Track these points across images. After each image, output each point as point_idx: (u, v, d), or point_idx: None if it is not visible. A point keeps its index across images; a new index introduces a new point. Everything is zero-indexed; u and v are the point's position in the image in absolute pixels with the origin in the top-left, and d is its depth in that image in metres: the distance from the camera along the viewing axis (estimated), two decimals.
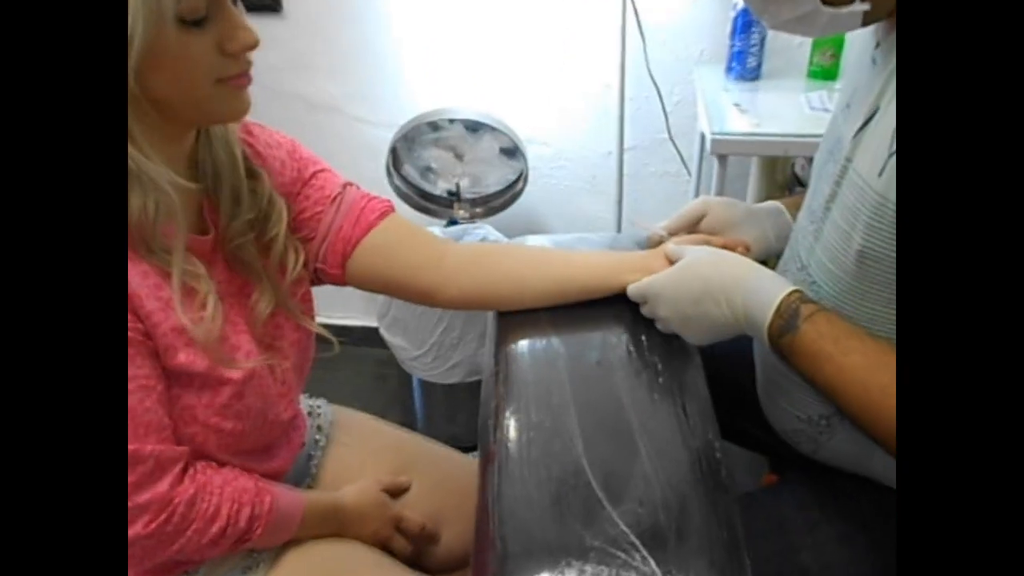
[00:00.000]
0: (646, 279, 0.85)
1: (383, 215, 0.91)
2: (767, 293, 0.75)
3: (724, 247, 0.88)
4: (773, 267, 0.87)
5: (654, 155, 1.99)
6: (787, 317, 0.72)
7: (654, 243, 0.95)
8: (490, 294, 0.91)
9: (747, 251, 0.92)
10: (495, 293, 0.91)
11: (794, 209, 0.94)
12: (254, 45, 0.70)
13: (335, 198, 0.89)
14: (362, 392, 2.18)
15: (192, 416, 0.77)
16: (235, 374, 0.78)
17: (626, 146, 1.93)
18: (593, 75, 1.89)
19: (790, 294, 0.74)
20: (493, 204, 2.05)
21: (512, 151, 1.96)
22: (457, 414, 1.95)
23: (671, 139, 1.88)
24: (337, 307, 2.31)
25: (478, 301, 0.92)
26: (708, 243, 0.90)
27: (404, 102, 1.99)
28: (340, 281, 0.92)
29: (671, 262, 0.85)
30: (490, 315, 0.96)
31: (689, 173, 1.92)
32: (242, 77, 0.71)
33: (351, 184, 0.93)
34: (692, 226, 0.95)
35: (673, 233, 0.95)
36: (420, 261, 0.91)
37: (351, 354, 2.26)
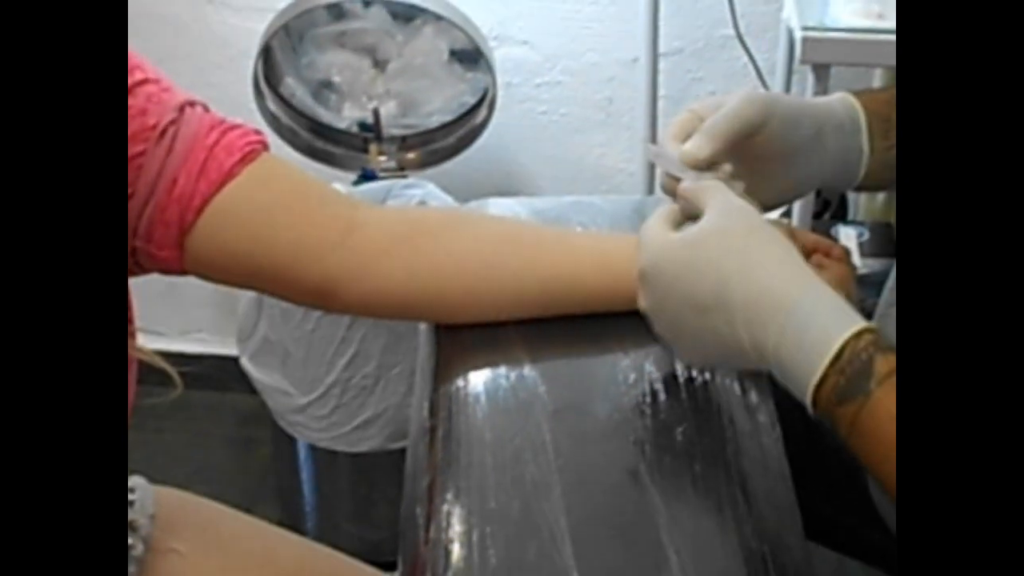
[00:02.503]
0: (648, 238, 0.86)
1: (248, 156, 0.93)
2: (821, 327, 0.76)
3: (791, 235, 0.89)
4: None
5: (710, 63, 2.02)
6: (851, 374, 0.74)
7: (672, 188, 0.94)
8: (425, 295, 0.94)
9: (846, 262, 0.95)
10: (434, 293, 0.94)
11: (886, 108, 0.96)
12: None
13: (165, 129, 0.91)
14: (210, 467, 2.20)
15: None
16: None
17: (664, 48, 1.96)
18: None
19: (860, 334, 0.75)
20: (436, 146, 2.08)
21: (470, 56, 1.98)
22: (374, 505, 1.98)
23: (739, 37, 1.92)
24: (164, 318, 2.32)
25: (404, 306, 0.95)
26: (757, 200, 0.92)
27: None
28: (176, 268, 0.94)
29: (683, 220, 0.86)
30: (423, 331, 0.98)
31: (766, 90, 1.96)
32: None
33: (193, 104, 0.94)
34: (740, 144, 0.95)
35: (704, 163, 0.94)
36: (310, 235, 0.93)
37: (192, 402, 2.27)
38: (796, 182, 0.96)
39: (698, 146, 0.89)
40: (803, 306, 0.77)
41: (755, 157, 0.92)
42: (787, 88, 1.92)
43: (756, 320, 0.78)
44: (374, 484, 1.95)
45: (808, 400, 0.75)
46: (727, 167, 0.90)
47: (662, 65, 1.97)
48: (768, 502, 0.79)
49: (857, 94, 0.96)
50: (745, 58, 1.94)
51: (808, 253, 0.92)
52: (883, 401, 0.72)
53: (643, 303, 0.85)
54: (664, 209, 0.87)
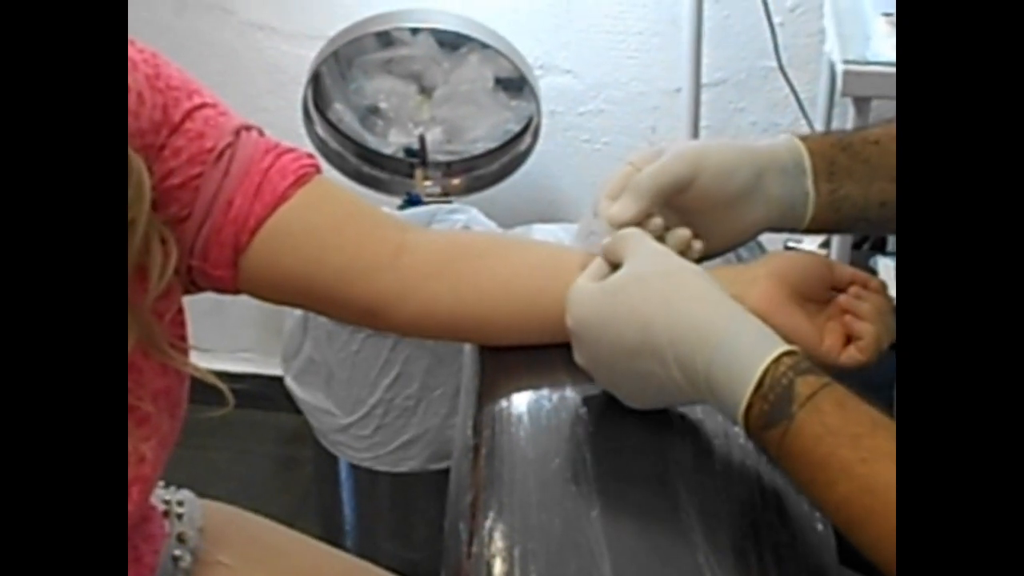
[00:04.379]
0: (571, 296, 0.88)
1: (301, 179, 0.95)
2: (743, 355, 0.78)
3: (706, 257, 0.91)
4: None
5: (752, 94, 2.04)
6: (774, 399, 0.76)
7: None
8: (471, 317, 0.96)
9: (884, 294, 0.95)
10: (479, 316, 0.96)
11: (837, 153, 0.96)
12: None
13: (222, 151, 0.93)
14: (253, 485, 2.22)
15: None
16: None
17: (706, 79, 1.98)
18: None
19: (779, 359, 0.77)
20: (481, 172, 2.10)
21: (516, 84, 2.00)
22: (413, 526, 1.99)
23: (781, 68, 1.93)
24: (210, 338, 2.34)
25: (451, 327, 0.97)
26: (675, 243, 0.92)
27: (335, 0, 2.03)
28: (229, 287, 0.96)
29: (608, 273, 0.87)
30: (468, 352, 1.00)
31: (809, 123, 1.97)
32: None
33: (249, 128, 0.97)
34: (672, 198, 0.95)
35: (631, 223, 0.92)
36: (361, 256, 0.95)
37: (236, 420, 2.29)
38: (739, 228, 0.97)
39: (623, 208, 0.92)
40: (726, 337, 0.79)
41: (691, 209, 0.94)
42: (828, 121, 1.93)
43: (684, 357, 0.80)
44: (414, 504, 1.96)
45: (742, 427, 0.78)
46: (657, 220, 0.92)
47: (705, 96, 1.98)
48: (803, 525, 0.79)
49: (803, 138, 0.97)
50: (787, 89, 1.95)
51: (845, 285, 0.93)
52: (806, 423, 0.74)
53: (578, 358, 0.89)
54: (591, 266, 0.89)
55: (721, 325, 0.80)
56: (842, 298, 0.92)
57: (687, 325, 0.81)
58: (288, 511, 2.11)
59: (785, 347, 0.77)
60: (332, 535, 2.02)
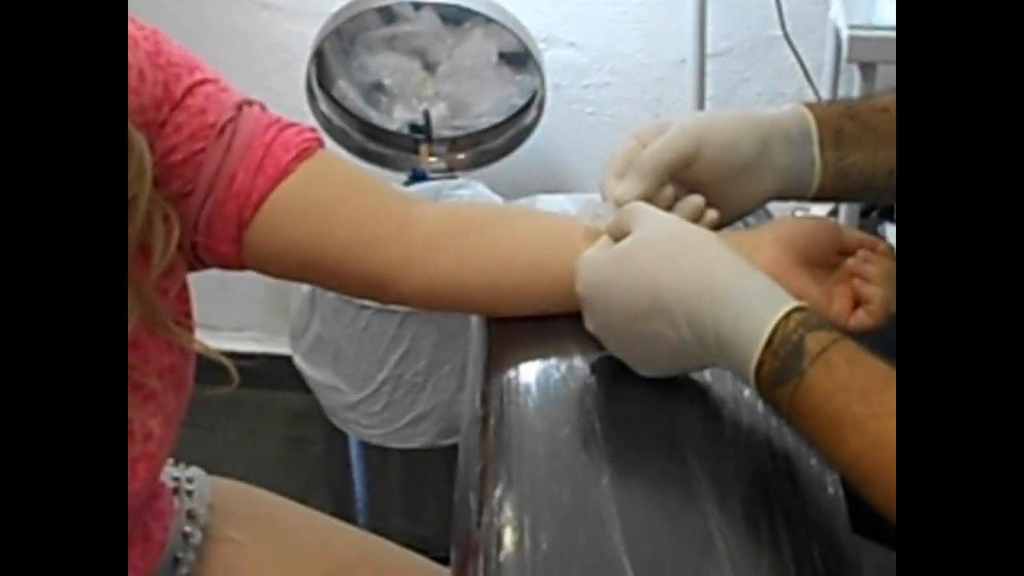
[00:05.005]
0: (580, 263, 0.88)
1: (304, 153, 0.95)
2: (752, 312, 0.77)
3: (717, 226, 0.91)
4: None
5: (758, 64, 2.03)
6: (784, 356, 0.75)
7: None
8: (477, 287, 0.95)
9: (891, 258, 0.95)
10: (485, 286, 0.95)
11: (845, 122, 0.96)
12: None
13: (224, 126, 0.93)
14: (263, 464, 2.22)
15: None
16: None
17: (711, 50, 1.97)
18: None
19: (789, 315, 0.76)
20: (486, 147, 2.09)
21: (520, 58, 2.00)
22: (424, 502, 1.99)
23: (786, 37, 1.92)
24: (217, 317, 2.36)
25: (457, 298, 0.96)
26: (688, 211, 0.92)
27: None
28: (234, 262, 0.96)
29: (616, 238, 0.87)
30: (475, 324, 1.00)
31: (815, 91, 1.96)
32: None
33: (251, 103, 0.96)
34: (677, 173, 0.95)
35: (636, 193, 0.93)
36: (365, 229, 0.95)
37: (245, 400, 2.30)
38: (746, 198, 0.97)
39: (628, 188, 0.92)
40: (735, 294, 0.79)
41: (697, 182, 0.94)
42: (834, 89, 1.92)
43: (694, 316, 0.80)
44: (424, 480, 1.97)
45: (752, 386, 0.77)
46: (667, 191, 0.93)
47: (710, 66, 1.97)
48: (814, 490, 0.79)
49: (810, 106, 0.97)
50: (792, 58, 1.94)
51: (853, 249, 0.92)
52: (817, 379, 0.74)
53: (588, 324, 0.89)
54: (598, 241, 0.90)
55: (729, 283, 0.79)
56: (850, 262, 0.91)
57: (696, 284, 0.80)
58: (299, 490, 2.10)
59: (795, 303, 0.77)
60: (343, 513, 2.02)
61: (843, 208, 1.69)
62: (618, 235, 0.87)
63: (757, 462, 0.82)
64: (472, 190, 1.96)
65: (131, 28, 0.92)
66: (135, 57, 0.90)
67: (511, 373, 0.91)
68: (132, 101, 0.89)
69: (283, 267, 0.97)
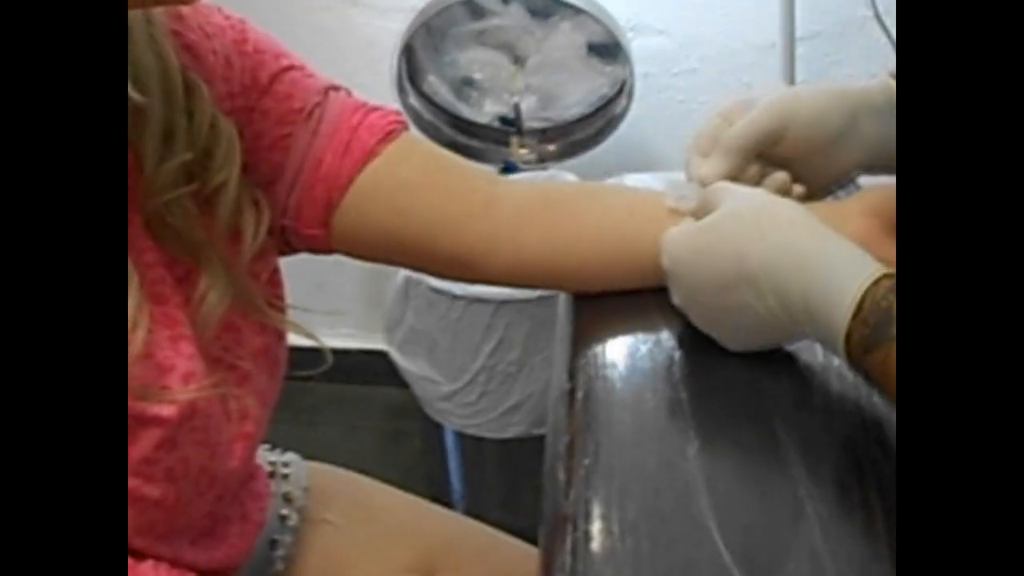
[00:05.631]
0: (666, 238, 0.88)
1: (389, 136, 0.97)
2: (840, 279, 0.76)
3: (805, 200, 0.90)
4: None
5: (849, 46, 2.01)
6: (875, 322, 0.74)
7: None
8: (563, 264, 0.96)
9: None
10: (571, 263, 0.96)
11: None
12: None
13: (311, 111, 0.95)
14: (363, 458, 2.24)
15: None
16: (166, 410, 0.83)
17: (801, 33, 1.96)
18: None
19: (878, 281, 0.75)
20: (576, 138, 2.10)
21: (609, 48, 2.00)
22: (520, 491, 2.00)
23: (877, 17, 1.90)
24: (312, 315, 2.36)
25: (543, 275, 0.97)
26: (774, 187, 0.92)
27: None
28: (323, 246, 0.98)
29: (699, 216, 0.87)
30: (562, 301, 1.01)
31: None
32: None
33: (337, 88, 0.98)
34: (764, 150, 0.95)
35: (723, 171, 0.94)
36: (451, 208, 0.96)
37: (344, 396, 2.33)
38: (834, 172, 0.97)
39: (714, 167, 0.93)
40: (822, 262, 0.78)
41: (784, 157, 0.94)
42: None
43: (780, 285, 0.79)
44: (520, 470, 1.97)
45: (842, 353, 0.76)
46: (753, 168, 0.93)
47: (800, 49, 1.96)
48: None
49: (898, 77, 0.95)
50: (884, 38, 1.92)
51: None
52: None
53: (675, 299, 0.89)
54: (683, 221, 0.90)
55: (817, 251, 0.79)
56: None
57: (781, 253, 0.80)
58: (397, 483, 2.13)
59: (883, 269, 0.76)
60: (441, 504, 2.04)
61: None
62: (703, 217, 0.87)
63: (847, 430, 0.81)
64: (562, 179, 1.97)
65: (218, 17, 0.94)
66: (222, 45, 0.93)
67: (598, 348, 0.91)
68: (220, 88, 0.91)
69: (372, 249, 0.99)
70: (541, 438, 1.84)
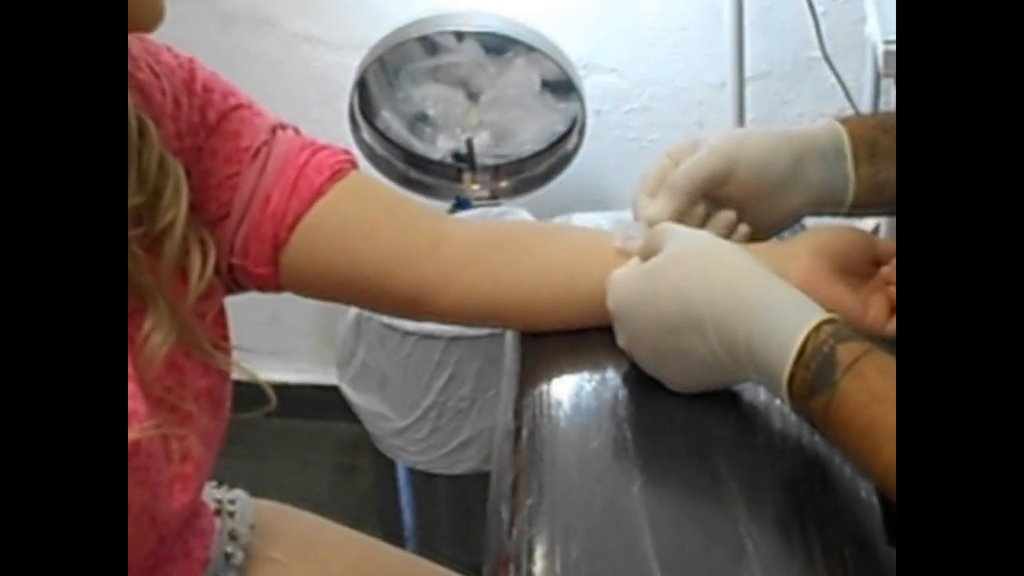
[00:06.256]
0: (612, 280, 0.89)
1: (337, 175, 0.96)
2: (783, 325, 0.77)
3: (750, 241, 0.91)
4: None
5: (798, 85, 2.03)
6: (816, 367, 0.75)
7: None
8: (511, 303, 0.96)
9: None
10: (519, 301, 0.96)
11: (878, 134, 0.96)
12: None
13: (258, 150, 0.95)
14: (315, 493, 2.23)
15: None
16: None
17: (751, 73, 1.98)
18: None
19: (819, 327, 0.76)
20: (529, 174, 2.11)
21: (562, 86, 2.01)
22: (471, 527, 1.99)
23: (826, 58, 1.92)
24: (265, 345, 2.38)
25: (491, 313, 0.97)
26: (719, 227, 0.93)
27: (379, 5, 2.05)
28: (272, 284, 0.97)
29: (645, 257, 0.88)
30: (509, 338, 1.01)
31: (856, 111, 1.95)
32: None
33: (285, 127, 0.98)
34: (711, 191, 0.95)
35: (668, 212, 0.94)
36: (399, 247, 0.96)
37: (295, 431, 2.32)
38: (780, 214, 0.97)
39: (660, 208, 0.93)
40: (765, 308, 0.79)
41: (730, 199, 0.95)
42: (875, 107, 1.91)
43: (725, 330, 0.80)
44: (472, 506, 1.96)
45: (786, 399, 0.77)
46: (699, 209, 0.94)
47: (750, 89, 1.97)
48: (847, 495, 0.79)
49: (844, 120, 0.97)
50: (833, 79, 1.94)
51: (888, 259, 0.92)
52: (850, 390, 0.74)
53: (620, 341, 0.89)
54: (629, 262, 0.91)
55: (759, 296, 0.80)
56: (885, 269, 0.91)
57: (726, 299, 0.81)
58: (349, 518, 2.11)
59: (825, 315, 0.77)
60: (393, 540, 2.02)
61: (883, 223, 1.68)
62: (649, 257, 0.87)
63: (789, 469, 0.82)
64: (515, 217, 1.97)
65: (167, 56, 0.94)
66: (171, 84, 0.92)
67: (544, 386, 0.92)
68: (168, 128, 0.91)
69: (320, 287, 0.98)
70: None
